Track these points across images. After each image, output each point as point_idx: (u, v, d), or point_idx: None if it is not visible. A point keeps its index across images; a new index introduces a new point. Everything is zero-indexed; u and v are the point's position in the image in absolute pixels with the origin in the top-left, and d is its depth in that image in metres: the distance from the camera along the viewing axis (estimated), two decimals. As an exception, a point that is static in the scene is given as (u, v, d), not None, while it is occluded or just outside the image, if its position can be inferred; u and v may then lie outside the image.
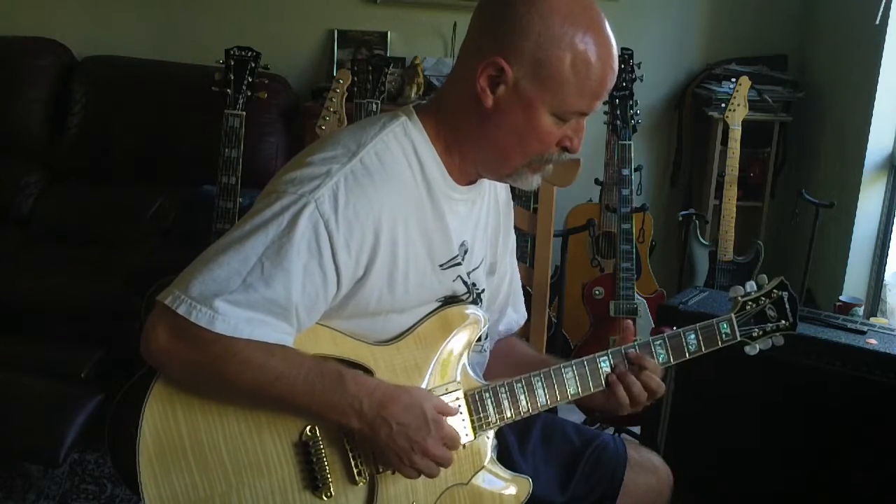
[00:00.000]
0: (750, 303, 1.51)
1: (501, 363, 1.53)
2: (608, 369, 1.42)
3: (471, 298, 1.41)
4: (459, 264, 1.37)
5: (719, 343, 1.48)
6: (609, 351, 1.44)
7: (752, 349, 1.51)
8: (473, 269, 1.43)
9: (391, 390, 1.26)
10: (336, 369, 1.24)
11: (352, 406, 1.22)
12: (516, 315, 1.65)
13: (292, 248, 1.18)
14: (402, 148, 1.29)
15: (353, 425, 1.24)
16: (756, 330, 1.51)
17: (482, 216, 1.44)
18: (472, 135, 1.30)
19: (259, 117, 3.02)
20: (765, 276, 1.54)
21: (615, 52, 1.25)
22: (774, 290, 1.52)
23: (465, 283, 1.39)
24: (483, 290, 1.47)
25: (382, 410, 1.23)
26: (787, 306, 1.52)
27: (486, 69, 1.23)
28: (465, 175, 1.35)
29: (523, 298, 1.68)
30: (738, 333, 1.50)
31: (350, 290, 1.26)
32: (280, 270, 1.18)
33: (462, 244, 1.38)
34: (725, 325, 1.49)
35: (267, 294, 1.17)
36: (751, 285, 1.53)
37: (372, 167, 1.25)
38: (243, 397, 1.23)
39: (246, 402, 1.25)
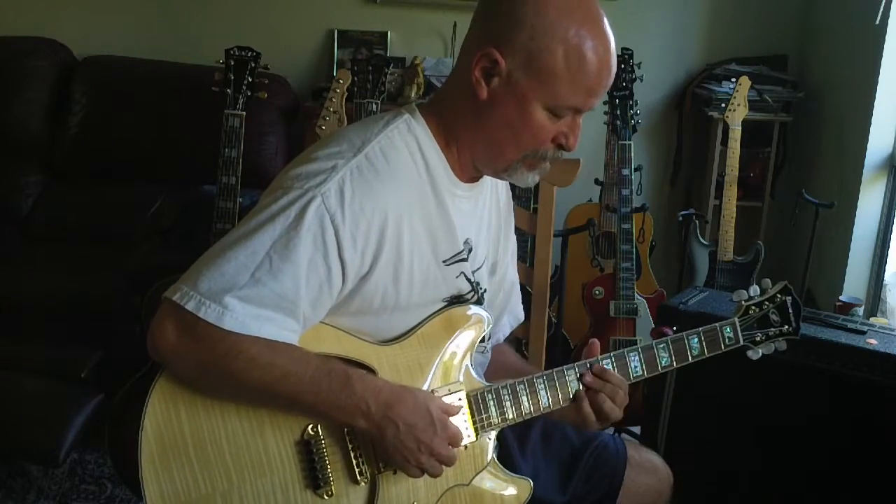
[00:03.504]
0: (753, 307, 1.51)
1: (490, 369, 1.53)
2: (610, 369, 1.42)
3: (475, 298, 1.41)
4: (464, 260, 1.37)
5: (722, 347, 1.48)
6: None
7: (754, 353, 1.51)
8: (478, 268, 1.43)
9: (397, 391, 1.26)
10: (342, 369, 1.24)
11: (358, 406, 1.23)
12: (510, 318, 1.65)
13: (300, 242, 1.18)
14: (407, 144, 1.30)
15: (359, 425, 1.25)
16: (759, 334, 1.51)
17: (485, 215, 1.45)
18: (468, 127, 1.30)
19: (259, 117, 3.01)
20: (769, 280, 1.54)
21: (613, 49, 1.24)
22: (778, 295, 1.52)
23: (469, 280, 1.39)
24: (485, 290, 1.47)
25: (389, 411, 1.23)
26: (791, 311, 1.52)
27: (481, 60, 1.23)
28: (466, 171, 1.36)
29: (521, 301, 1.68)
30: (741, 338, 1.50)
31: (355, 286, 1.26)
32: (288, 264, 1.18)
33: (466, 241, 1.38)
34: (729, 329, 1.49)
35: (275, 288, 1.18)
36: (754, 289, 1.52)
37: (377, 163, 1.25)
38: (249, 395, 1.24)
39: (252, 400, 1.25)
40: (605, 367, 1.40)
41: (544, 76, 1.21)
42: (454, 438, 1.29)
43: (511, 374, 1.42)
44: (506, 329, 1.65)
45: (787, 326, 1.52)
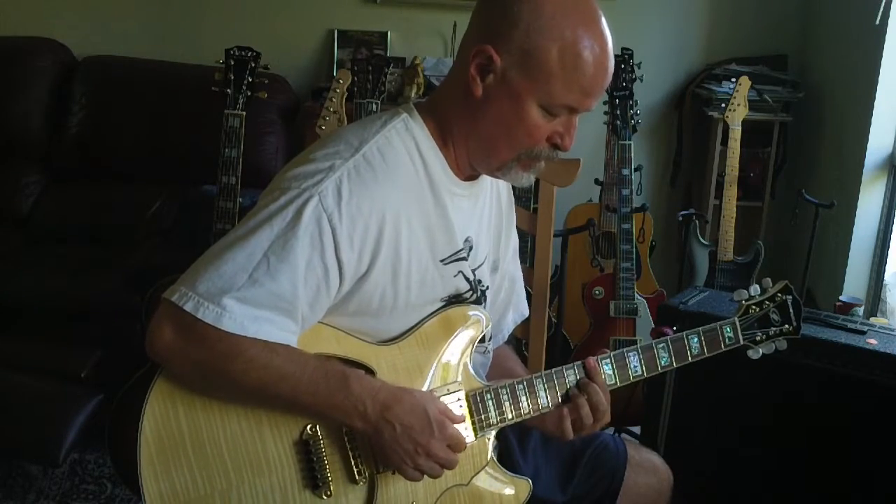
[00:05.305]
0: (754, 306, 1.51)
1: (492, 372, 1.53)
2: (610, 371, 1.42)
3: (474, 297, 1.41)
4: (464, 259, 1.37)
5: (722, 347, 1.48)
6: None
7: (755, 353, 1.51)
8: (479, 266, 1.43)
9: (395, 392, 1.25)
10: (340, 370, 1.24)
11: (356, 407, 1.22)
12: (514, 315, 1.65)
13: (297, 243, 1.18)
14: (405, 143, 1.29)
15: (356, 426, 1.25)
16: (759, 334, 1.51)
17: (485, 213, 1.45)
18: (463, 125, 1.30)
19: (259, 117, 3.02)
20: (769, 279, 1.53)
21: (610, 49, 1.23)
22: (779, 294, 1.52)
23: (467, 279, 1.39)
24: (487, 288, 1.47)
25: (386, 412, 1.23)
26: (791, 310, 1.52)
27: (476, 57, 1.23)
28: (464, 169, 1.36)
29: (525, 296, 1.68)
30: (741, 337, 1.50)
31: (353, 286, 1.26)
32: (285, 264, 1.18)
33: (467, 239, 1.38)
34: (729, 329, 1.49)
35: (273, 289, 1.18)
36: (755, 289, 1.52)
37: (374, 162, 1.25)
38: (247, 396, 1.24)
39: (250, 401, 1.25)
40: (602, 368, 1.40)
41: (539, 74, 1.21)
42: (454, 441, 1.29)
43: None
44: (510, 326, 1.65)
45: (787, 325, 1.52)
